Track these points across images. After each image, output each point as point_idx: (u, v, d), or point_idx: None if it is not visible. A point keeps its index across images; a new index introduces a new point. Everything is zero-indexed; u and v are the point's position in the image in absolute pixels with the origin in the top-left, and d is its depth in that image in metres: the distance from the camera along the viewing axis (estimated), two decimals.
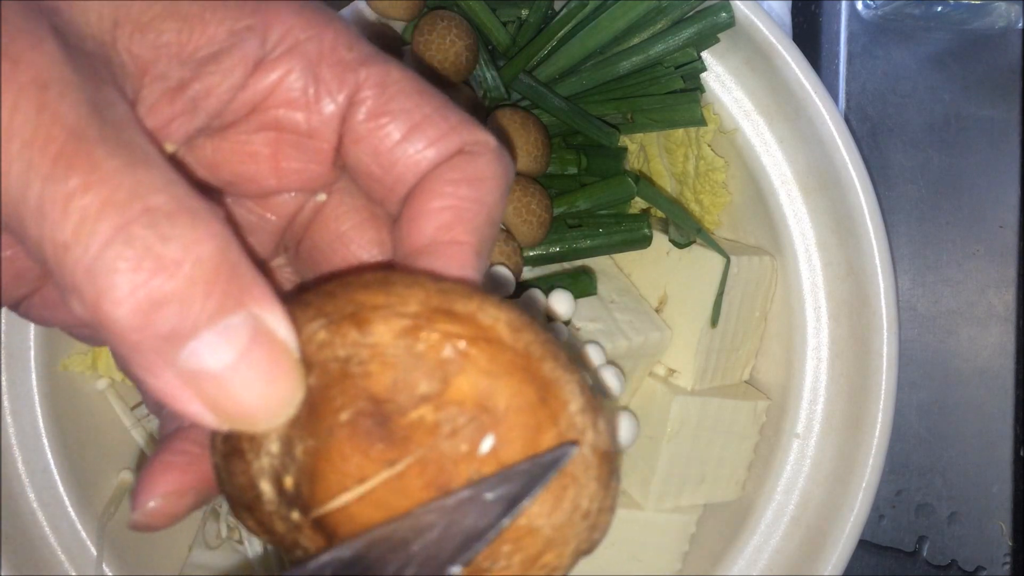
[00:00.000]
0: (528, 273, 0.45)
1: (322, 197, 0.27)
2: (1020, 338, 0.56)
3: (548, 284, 0.45)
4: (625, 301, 0.47)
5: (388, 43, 0.44)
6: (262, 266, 0.28)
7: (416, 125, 0.23)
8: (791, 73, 0.44)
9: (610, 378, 0.42)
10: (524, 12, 0.45)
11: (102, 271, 0.18)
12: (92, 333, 0.28)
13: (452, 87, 0.44)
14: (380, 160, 0.24)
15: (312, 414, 0.21)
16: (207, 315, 0.19)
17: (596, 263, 0.48)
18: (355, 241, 0.26)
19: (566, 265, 0.47)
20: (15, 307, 0.26)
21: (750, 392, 0.50)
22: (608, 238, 0.45)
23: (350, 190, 0.27)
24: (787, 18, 0.54)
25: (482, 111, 0.45)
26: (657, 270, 0.48)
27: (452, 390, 0.21)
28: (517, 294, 0.43)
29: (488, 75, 0.44)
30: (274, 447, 0.22)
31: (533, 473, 0.21)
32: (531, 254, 0.44)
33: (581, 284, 0.46)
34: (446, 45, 0.42)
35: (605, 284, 0.48)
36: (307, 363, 0.21)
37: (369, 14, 0.44)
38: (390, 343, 0.21)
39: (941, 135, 0.57)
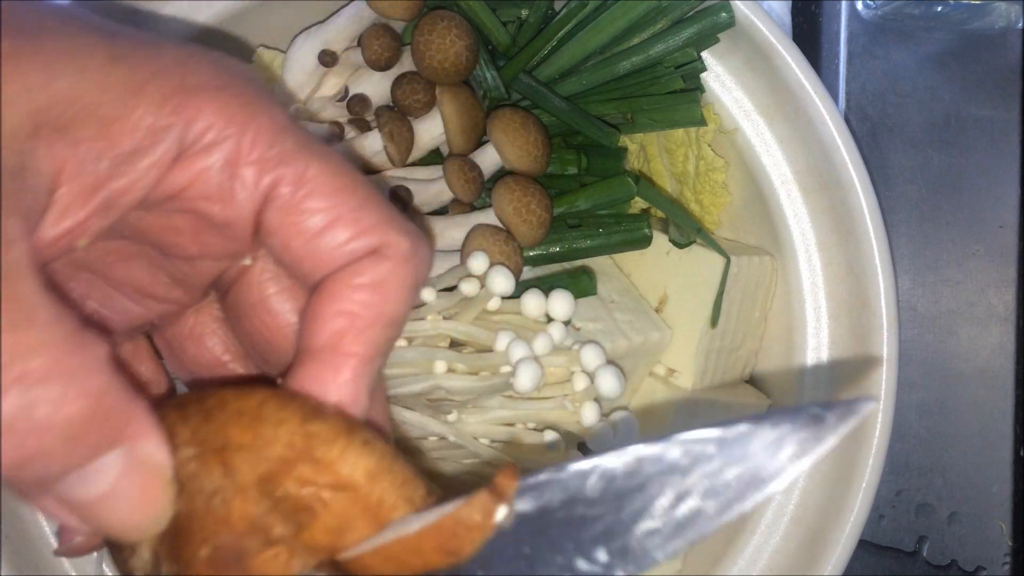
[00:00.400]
0: (528, 273, 0.45)
1: (247, 261, 0.27)
2: (1020, 338, 0.56)
3: (548, 284, 0.45)
4: (625, 301, 0.47)
5: (388, 43, 0.44)
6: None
7: (328, 226, 0.24)
8: (791, 73, 0.44)
9: (610, 378, 0.42)
10: (524, 12, 0.45)
11: None
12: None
13: (447, 90, 0.44)
14: (291, 254, 0.24)
15: (177, 539, 0.23)
16: (75, 462, 0.21)
17: (596, 263, 0.48)
18: (276, 307, 0.27)
19: (566, 265, 0.47)
20: None
21: (750, 392, 0.50)
22: (608, 238, 0.45)
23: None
24: (787, 18, 0.54)
25: (482, 111, 0.45)
26: (657, 270, 0.48)
27: (305, 535, 0.22)
28: (517, 294, 0.43)
29: (488, 75, 0.44)
30: (146, 554, 0.23)
31: (824, 421, 0.21)
32: (531, 254, 0.44)
33: (581, 284, 0.46)
34: (446, 45, 0.42)
35: (605, 284, 0.48)
36: (179, 483, 0.23)
37: (369, 14, 0.44)
38: (251, 485, 0.22)
39: (941, 135, 0.57)
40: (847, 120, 0.55)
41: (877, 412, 0.44)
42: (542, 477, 0.21)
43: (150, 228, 0.25)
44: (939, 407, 0.56)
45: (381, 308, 0.24)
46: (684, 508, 0.20)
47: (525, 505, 0.21)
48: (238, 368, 0.30)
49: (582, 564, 0.20)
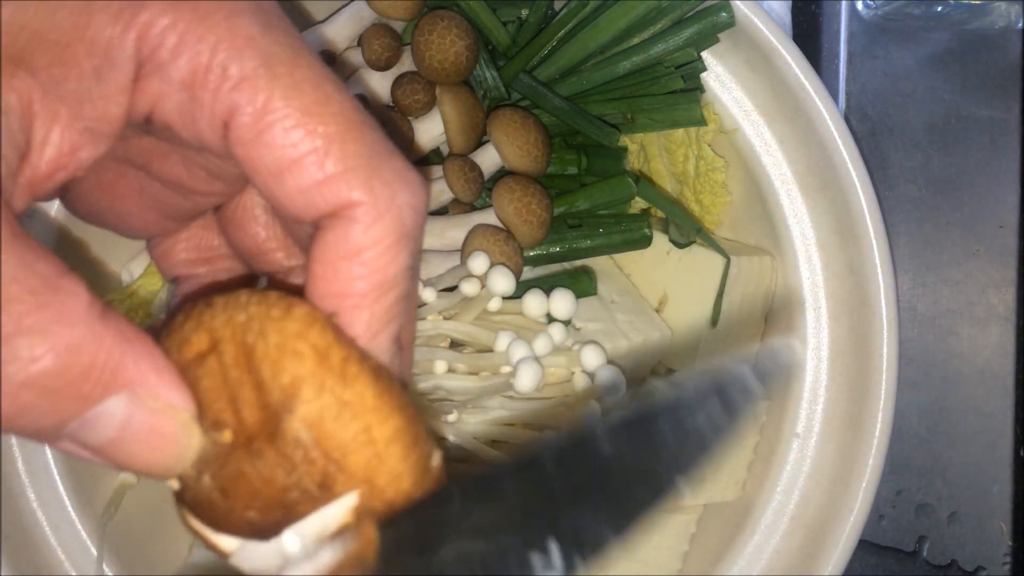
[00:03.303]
0: (528, 273, 0.45)
1: None
2: (1020, 338, 0.56)
3: (548, 284, 0.45)
4: (625, 301, 0.47)
5: (388, 43, 0.44)
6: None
7: (287, 167, 0.22)
8: (791, 73, 0.44)
9: (610, 378, 0.42)
10: (524, 12, 0.45)
11: None
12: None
13: (447, 90, 0.44)
14: (257, 187, 0.23)
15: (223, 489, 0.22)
16: (69, 413, 0.20)
17: (596, 263, 0.48)
18: (262, 226, 0.27)
19: (566, 265, 0.47)
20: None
21: None
22: (608, 238, 0.45)
23: None
24: (787, 18, 0.54)
25: (482, 111, 0.45)
26: (657, 270, 0.48)
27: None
28: (517, 295, 0.43)
29: (488, 75, 0.44)
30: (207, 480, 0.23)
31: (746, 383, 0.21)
32: (531, 254, 0.44)
33: (581, 284, 0.46)
34: (446, 45, 0.42)
35: (605, 284, 0.48)
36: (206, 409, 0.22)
37: (369, 14, 0.44)
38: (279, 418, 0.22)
39: (941, 135, 0.57)
40: (847, 120, 0.55)
41: (877, 412, 0.45)
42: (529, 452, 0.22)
43: (141, 151, 0.24)
44: (939, 407, 0.56)
45: (368, 279, 0.22)
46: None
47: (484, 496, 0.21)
48: (280, 255, 0.28)
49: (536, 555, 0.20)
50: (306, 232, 0.24)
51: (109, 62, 0.21)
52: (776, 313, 0.49)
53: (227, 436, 0.22)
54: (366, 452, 0.21)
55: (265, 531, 0.22)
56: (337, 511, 0.21)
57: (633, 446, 0.21)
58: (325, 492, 0.21)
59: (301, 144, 0.21)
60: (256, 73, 0.21)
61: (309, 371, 0.21)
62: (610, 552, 0.20)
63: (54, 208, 0.46)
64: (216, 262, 0.29)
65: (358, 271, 0.22)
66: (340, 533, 0.22)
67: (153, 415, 0.21)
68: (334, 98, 0.22)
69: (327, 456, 0.21)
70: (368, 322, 0.23)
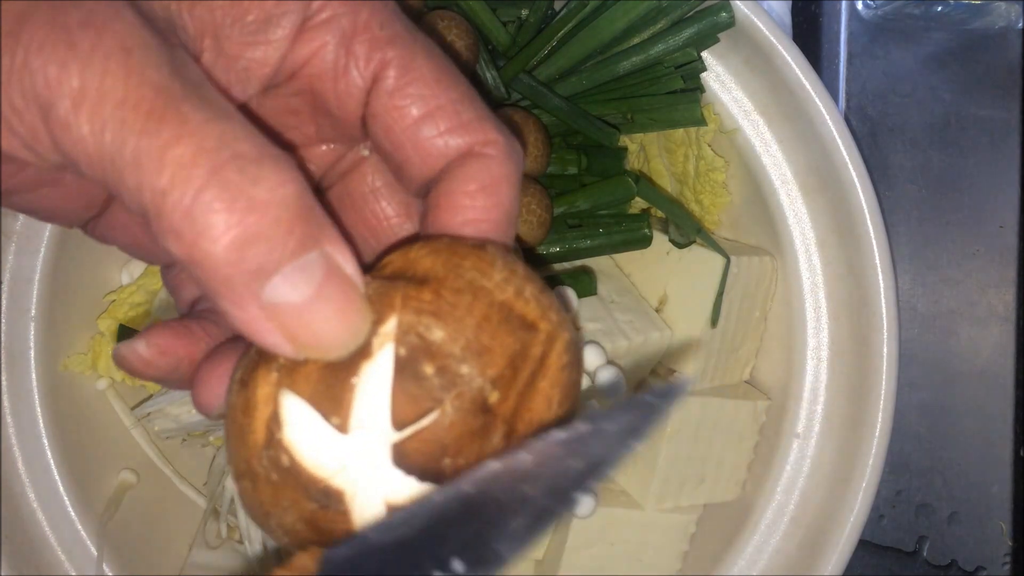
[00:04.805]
0: None
1: (365, 152, 0.28)
2: (1020, 338, 0.56)
3: (549, 284, 0.45)
4: (625, 301, 0.47)
5: None
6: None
7: (428, 114, 0.24)
8: (791, 73, 0.44)
9: (610, 378, 0.42)
10: (524, 12, 0.45)
11: (200, 212, 0.20)
12: (147, 254, 0.30)
13: None
14: (392, 140, 0.25)
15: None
16: (289, 252, 0.21)
17: (596, 263, 0.48)
18: (385, 198, 0.28)
19: (566, 265, 0.47)
20: (83, 227, 0.29)
21: (750, 392, 0.50)
22: (608, 238, 0.45)
23: None
24: (787, 18, 0.54)
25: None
26: (657, 270, 0.49)
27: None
28: None
29: (488, 75, 0.44)
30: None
31: (652, 405, 0.22)
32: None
33: (581, 284, 0.46)
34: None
35: (605, 284, 0.48)
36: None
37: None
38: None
39: (941, 135, 0.57)
40: (847, 120, 0.55)
41: (877, 412, 0.45)
42: (403, 513, 0.22)
43: (269, 114, 0.26)
44: (939, 407, 0.56)
45: (501, 203, 0.25)
46: (531, 508, 0.21)
47: (385, 537, 0.21)
48: (406, 224, 0.30)
49: (437, 574, 0.21)
50: (417, 192, 0.26)
51: (278, 13, 0.23)
52: (776, 313, 0.49)
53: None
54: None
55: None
56: None
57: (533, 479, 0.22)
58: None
59: (442, 96, 0.24)
60: (404, 34, 0.25)
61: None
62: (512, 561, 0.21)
63: None
64: None
65: (494, 201, 0.25)
66: None
67: (342, 280, 0.22)
68: (454, 66, 0.25)
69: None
70: (506, 240, 0.25)
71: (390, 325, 0.22)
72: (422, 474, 0.22)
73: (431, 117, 0.24)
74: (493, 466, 0.21)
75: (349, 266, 0.22)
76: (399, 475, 0.22)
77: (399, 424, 0.22)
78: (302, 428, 0.22)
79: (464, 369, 0.22)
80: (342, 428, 0.22)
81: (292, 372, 0.22)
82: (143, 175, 0.20)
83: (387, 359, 0.22)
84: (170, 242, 0.20)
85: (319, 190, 0.29)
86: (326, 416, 0.22)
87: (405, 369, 0.22)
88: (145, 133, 0.19)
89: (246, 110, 0.26)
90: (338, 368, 0.22)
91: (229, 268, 0.20)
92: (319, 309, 0.21)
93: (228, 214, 0.20)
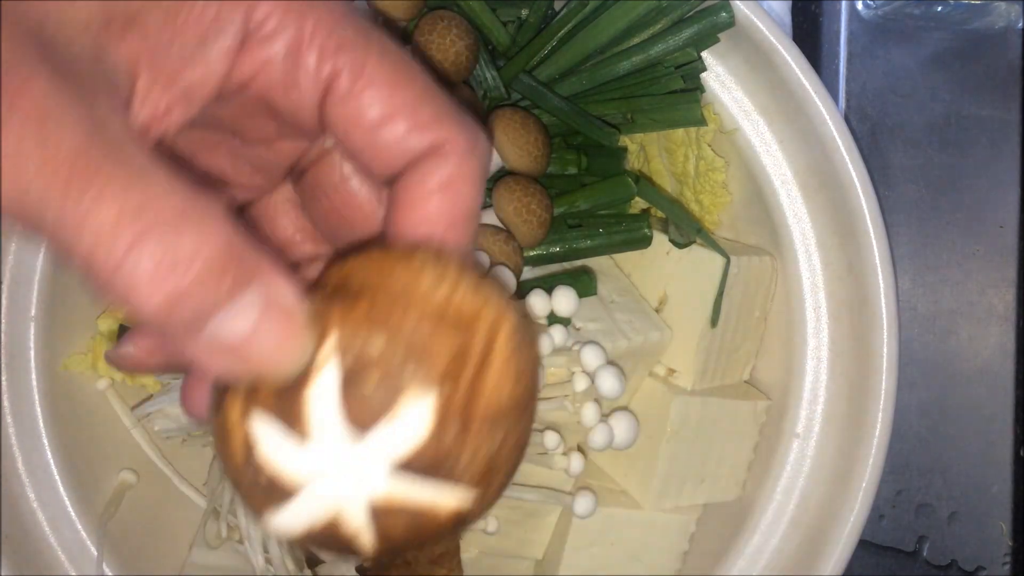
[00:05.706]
0: (528, 273, 0.45)
1: (329, 143, 0.28)
2: (1020, 338, 0.56)
3: (548, 284, 0.45)
4: (625, 301, 0.47)
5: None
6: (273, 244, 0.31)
7: (384, 117, 0.24)
8: (791, 73, 0.44)
9: (610, 378, 0.42)
10: (524, 12, 0.45)
11: (127, 274, 0.20)
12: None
13: (452, 87, 0.44)
14: (350, 144, 0.25)
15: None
16: (224, 295, 0.21)
17: (596, 263, 0.48)
18: (356, 184, 0.28)
19: (566, 265, 0.47)
20: None
21: (750, 392, 0.50)
22: (608, 238, 0.45)
23: None
24: (787, 18, 0.54)
25: (482, 111, 0.45)
26: (657, 270, 0.48)
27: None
28: (519, 295, 0.43)
29: (488, 75, 0.44)
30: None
31: None
32: (531, 254, 0.44)
33: (581, 284, 0.46)
34: (446, 45, 0.42)
35: (605, 284, 0.48)
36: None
37: (369, 14, 0.44)
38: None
39: (941, 135, 0.57)
40: (847, 120, 0.55)
41: (877, 412, 0.45)
42: None
43: (227, 116, 0.26)
44: (939, 407, 0.56)
45: (459, 206, 0.25)
46: None
47: None
48: (308, 246, 0.31)
49: None
50: (378, 191, 0.27)
51: (216, 29, 0.23)
52: (776, 313, 0.49)
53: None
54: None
55: None
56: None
57: None
58: None
59: (397, 97, 0.24)
60: (355, 39, 0.24)
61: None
62: None
63: None
64: None
65: (450, 200, 0.25)
66: None
67: (280, 312, 0.22)
68: (412, 63, 0.25)
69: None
70: (458, 248, 0.25)
71: (332, 341, 0.23)
72: (392, 471, 0.23)
73: (388, 120, 0.24)
74: None
75: (286, 295, 0.22)
76: (371, 473, 0.23)
77: (358, 429, 0.23)
78: (271, 445, 0.23)
79: (407, 373, 0.23)
80: (306, 439, 0.23)
81: (253, 394, 0.23)
82: (69, 239, 0.20)
83: (332, 372, 0.23)
84: (107, 295, 0.21)
85: (296, 178, 0.30)
86: (289, 430, 0.23)
87: (351, 379, 0.23)
88: (67, 198, 0.20)
89: (211, 114, 0.25)
90: (293, 386, 0.23)
91: (165, 320, 0.21)
92: (260, 340, 0.22)
93: (154, 275, 0.20)
